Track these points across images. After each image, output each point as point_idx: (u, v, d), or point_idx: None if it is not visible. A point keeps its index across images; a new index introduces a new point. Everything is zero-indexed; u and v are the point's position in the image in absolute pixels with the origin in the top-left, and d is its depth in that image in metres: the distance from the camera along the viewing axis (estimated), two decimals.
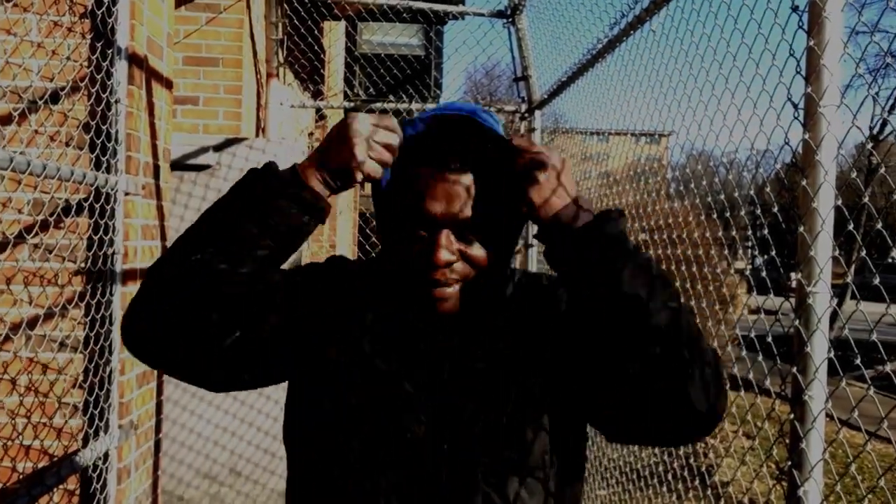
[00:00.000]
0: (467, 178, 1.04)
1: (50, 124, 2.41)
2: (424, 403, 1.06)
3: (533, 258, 4.77)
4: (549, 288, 1.19)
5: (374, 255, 1.21)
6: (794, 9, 1.63)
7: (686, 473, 2.79)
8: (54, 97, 2.42)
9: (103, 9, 2.35)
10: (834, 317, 1.83)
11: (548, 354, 1.09)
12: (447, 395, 1.07)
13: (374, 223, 1.14)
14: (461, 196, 1.04)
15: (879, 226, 1.46)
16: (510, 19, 4.70)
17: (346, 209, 9.75)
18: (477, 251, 1.07)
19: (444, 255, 1.03)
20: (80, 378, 2.40)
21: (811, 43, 1.54)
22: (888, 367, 1.48)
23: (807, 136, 1.55)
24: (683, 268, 2.73)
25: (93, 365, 2.39)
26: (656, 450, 3.36)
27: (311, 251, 6.84)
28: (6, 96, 2.38)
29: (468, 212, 1.04)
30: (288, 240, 1.03)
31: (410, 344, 1.10)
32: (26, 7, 2.43)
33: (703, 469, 4.28)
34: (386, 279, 1.13)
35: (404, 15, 4.85)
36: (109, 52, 2.39)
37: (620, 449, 3.64)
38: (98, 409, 2.36)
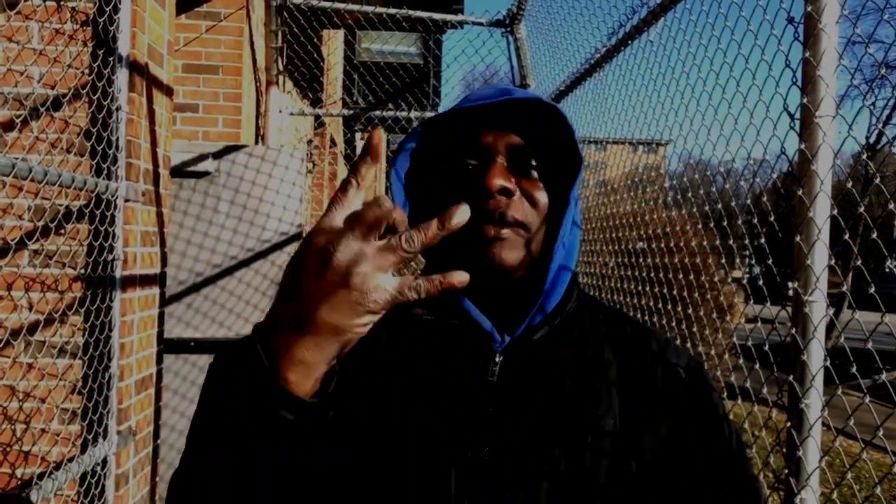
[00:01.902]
0: (523, 118, 0.88)
1: (51, 131, 2.42)
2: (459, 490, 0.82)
3: None
4: (675, 369, 0.91)
5: None
6: (790, 20, 1.65)
7: None
8: (56, 104, 2.43)
9: (105, 17, 2.36)
10: (830, 326, 1.84)
11: (640, 454, 0.85)
12: (486, 483, 0.83)
13: None
14: (519, 128, 0.88)
15: (875, 235, 1.47)
16: (509, 29, 4.72)
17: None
18: (541, 194, 0.88)
19: (499, 179, 0.84)
20: (79, 384, 2.40)
21: (807, 54, 1.56)
22: (884, 377, 1.49)
23: (803, 146, 1.57)
24: (681, 276, 2.74)
25: (92, 371, 2.39)
26: None
27: None
28: (8, 103, 2.39)
29: (529, 146, 0.88)
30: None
31: (451, 407, 0.85)
32: (28, 15, 2.44)
33: None
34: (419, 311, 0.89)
35: (403, 24, 4.88)
36: (111, 59, 2.41)
37: None
38: (97, 415, 2.36)
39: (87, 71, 2.43)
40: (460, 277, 0.68)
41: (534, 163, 0.88)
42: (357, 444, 0.84)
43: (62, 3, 2.44)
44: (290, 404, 0.68)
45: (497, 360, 0.86)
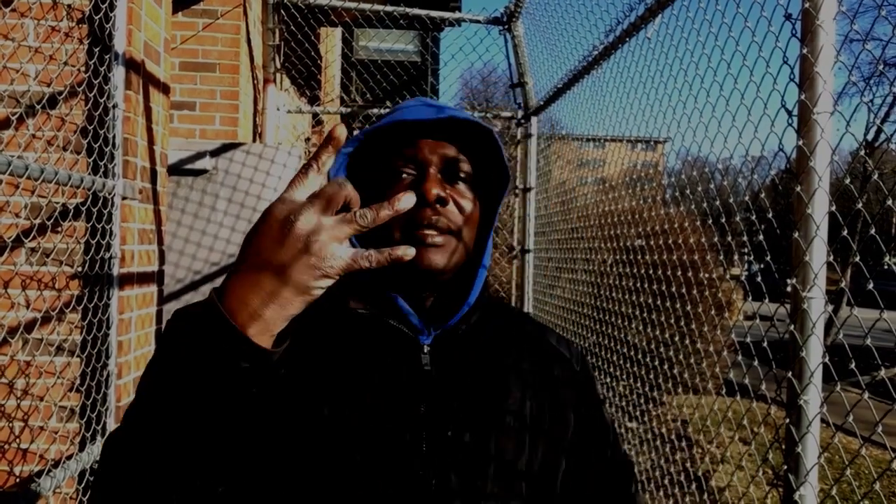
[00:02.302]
0: (455, 132, 0.97)
1: (48, 128, 2.42)
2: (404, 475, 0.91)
3: (530, 263, 4.78)
4: (563, 354, 1.08)
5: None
6: (788, 17, 1.65)
7: (683, 478, 2.79)
8: (52, 102, 2.42)
9: (101, 14, 2.35)
10: (829, 322, 1.84)
11: (546, 428, 1.00)
12: (427, 468, 0.91)
13: None
14: (453, 139, 0.97)
15: (873, 232, 1.47)
16: (506, 26, 4.72)
17: None
18: (468, 203, 0.97)
19: (435, 188, 0.93)
20: (77, 382, 2.40)
21: (805, 51, 1.56)
22: (883, 373, 1.49)
23: (801, 143, 1.57)
24: (680, 273, 2.74)
25: (90, 369, 2.39)
26: (653, 454, 3.37)
27: None
28: (4, 101, 2.38)
29: (463, 158, 0.97)
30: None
31: (387, 388, 0.93)
32: (24, 12, 2.43)
33: (700, 474, 4.29)
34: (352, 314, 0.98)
35: (401, 21, 4.87)
36: (107, 57, 2.40)
37: None
38: (95, 413, 2.36)
39: (83, 68, 2.42)
40: (406, 251, 0.76)
41: (464, 175, 0.97)
42: (298, 432, 0.89)
43: (58, 0, 2.43)
44: (249, 354, 0.71)
45: (426, 351, 0.96)
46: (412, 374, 0.95)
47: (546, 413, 1.01)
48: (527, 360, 1.03)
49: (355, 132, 0.92)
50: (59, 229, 2.41)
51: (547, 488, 0.99)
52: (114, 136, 2.39)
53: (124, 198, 2.47)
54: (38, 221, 2.39)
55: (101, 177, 2.32)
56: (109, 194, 2.37)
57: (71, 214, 2.40)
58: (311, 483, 0.89)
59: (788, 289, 1.59)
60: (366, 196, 0.93)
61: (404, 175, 0.95)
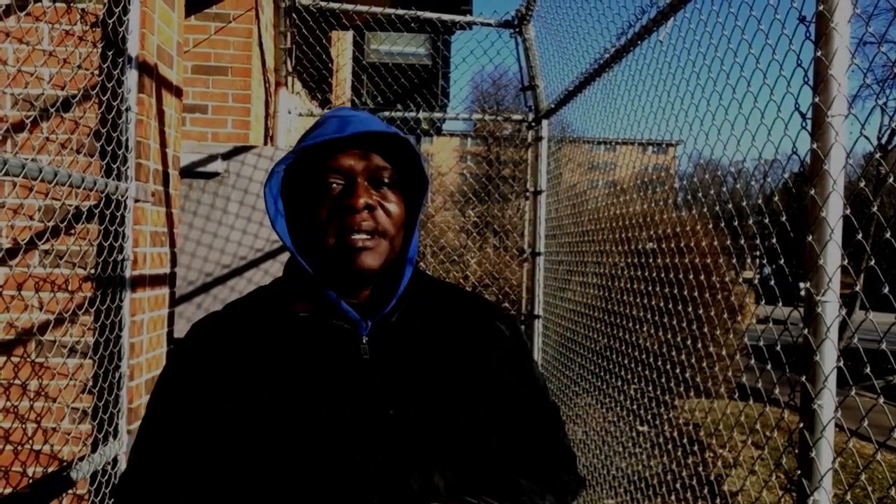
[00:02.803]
0: (381, 143, 1.08)
1: (61, 132, 2.43)
2: (356, 442, 1.01)
3: (540, 266, 4.77)
4: (493, 322, 1.19)
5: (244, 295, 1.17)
6: (802, 20, 1.64)
7: (695, 483, 2.77)
8: (66, 105, 2.44)
9: (114, 18, 2.37)
10: (843, 326, 1.83)
11: (479, 394, 1.11)
12: (374, 446, 1.02)
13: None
14: (377, 154, 1.07)
15: (888, 235, 1.46)
16: (517, 29, 4.72)
17: None
18: (394, 207, 1.08)
19: (363, 197, 1.04)
20: (90, 383, 2.41)
21: (819, 53, 1.55)
22: None
23: (815, 146, 1.56)
24: (692, 277, 2.73)
25: (102, 370, 2.40)
26: (665, 458, 3.35)
27: None
28: (19, 104, 2.40)
29: (385, 166, 1.07)
30: None
31: (330, 380, 1.04)
32: (39, 16, 2.45)
33: (712, 478, 4.27)
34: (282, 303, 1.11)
35: (412, 25, 4.88)
36: (120, 60, 2.41)
37: (629, 458, 3.63)
38: (107, 414, 2.37)
39: (96, 72, 2.44)
40: None
41: (387, 180, 1.08)
42: (251, 436, 1.00)
43: (72, 4, 2.45)
44: None
45: (364, 342, 1.07)
46: (353, 364, 1.06)
47: (478, 380, 1.11)
48: (458, 335, 1.14)
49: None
50: (73, 232, 2.43)
51: (484, 448, 1.09)
52: (127, 139, 2.41)
53: (137, 200, 2.48)
54: (51, 224, 2.40)
55: (113, 179, 2.34)
56: (122, 197, 2.38)
57: (84, 217, 2.41)
58: (265, 478, 1.00)
59: (802, 292, 1.57)
60: (301, 207, 1.07)
61: (333, 185, 1.05)
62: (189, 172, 3.63)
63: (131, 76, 2.43)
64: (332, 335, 1.07)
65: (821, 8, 1.55)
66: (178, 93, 2.93)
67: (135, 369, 2.53)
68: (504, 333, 1.18)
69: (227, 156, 3.73)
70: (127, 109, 2.41)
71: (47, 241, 2.40)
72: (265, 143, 4.71)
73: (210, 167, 3.69)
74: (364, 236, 1.04)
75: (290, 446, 0.99)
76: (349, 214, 1.03)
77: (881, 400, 1.43)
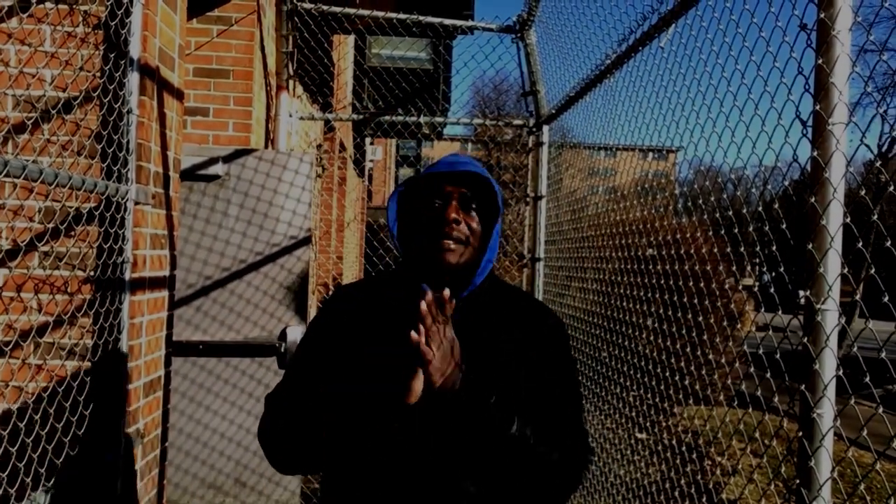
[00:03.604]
0: (470, 178, 1.51)
1: (62, 133, 2.43)
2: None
3: (540, 271, 4.77)
4: (539, 313, 1.61)
5: (373, 272, 1.36)
6: (803, 27, 1.64)
7: (693, 491, 2.76)
8: (67, 107, 2.44)
9: (116, 20, 2.37)
10: (842, 335, 1.82)
11: (519, 361, 1.50)
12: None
13: (387, 237, 1.39)
14: (467, 182, 1.51)
15: (889, 244, 1.46)
16: (519, 34, 4.72)
17: (354, 221, 9.76)
18: (475, 224, 1.52)
19: (453, 213, 1.48)
20: (88, 386, 2.41)
21: (820, 61, 1.55)
22: None
23: (815, 154, 1.56)
24: (691, 283, 2.72)
25: (101, 372, 2.39)
26: (663, 466, 3.35)
27: (318, 261, 6.85)
28: (20, 105, 2.40)
29: (470, 194, 1.51)
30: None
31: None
32: (41, 17, 2.46)
33: (711, 486, 4.25)
34: (396, 280, 1.60)
35: (413, 29, 4.88)
36: (122, 62, 2.42)
37: (627, 465, 3.62)
38: (105, 417, 2.36)
39: (98, 74, 2.44)
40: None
41: (473, 205, 1.52)
42: (351, 365, 1.46)
43: (74, 6, 2.45)
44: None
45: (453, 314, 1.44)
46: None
47: (523, 348, 1.51)
48: (513, 317, 1.56)
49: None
50: (73, 233, 2.43)
51: (522, 394, 1.46)
52: (128, 142, 2.41)
53: (137, 203, 2.48)
54: (51, 225, 2.40)
55: (114, 182, 2.34)
56: (122, 199, 2.38)
57: (84, 219, 2.41)
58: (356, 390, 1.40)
59: (802, 300, 1.57)
60: (410, 218, 1.55)
61: (436, 204, 1.50)
62: (189, 175, 3.63)
63: (133, 78, 2.43)
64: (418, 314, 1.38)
65: (822, 16, 1.55)
66: (179, 95, 2.94)
67: (133, 372, 2.53)
68: (549, 322, 1.59)
69: (227, 159, 3.74)
70: (128, 112, 2.41)
71: (47, 242, 2.40)
72: (266, 147, 4.71)
73: (210, 170, 3.69)
74: (450, 241, 1.47)
75: (374, 374, 1.37)
76: (444, 224, 1.47)
77: (880, 409, 1.42)
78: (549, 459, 1.41)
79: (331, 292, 1.65)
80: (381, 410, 1.37)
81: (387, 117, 5.23)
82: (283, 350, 3.61)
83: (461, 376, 1.34)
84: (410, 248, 1.53)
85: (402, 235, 1.56)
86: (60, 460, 2.39)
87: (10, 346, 2.28)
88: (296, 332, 3.65)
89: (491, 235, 1.54)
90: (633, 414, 3.38)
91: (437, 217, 1.47)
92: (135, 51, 2.43)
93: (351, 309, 1.56)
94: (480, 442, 1.36)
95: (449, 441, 1.40)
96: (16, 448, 2.36)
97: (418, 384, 1.32)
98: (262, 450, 1.53)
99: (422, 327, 1.28)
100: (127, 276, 2.44)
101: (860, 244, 1.51)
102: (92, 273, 2.44)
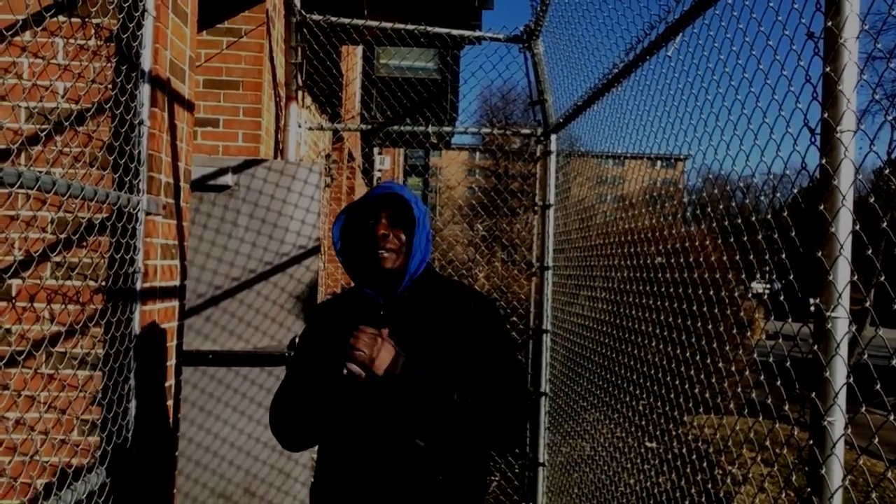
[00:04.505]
0: (393, 199, 1.89)
1: (74, 145, 2.46)
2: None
3: (549, 280, 4.76)
4: (466, 299, 1.96)
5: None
6: (810, 35, 1.64)
7: (703, 500, 2.75)
8: (79, 118, 2.46)
9: (128, 33, 2.40)
10: (853, 342, 1.81)
11: (448, 341, 1.84)
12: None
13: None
14: (391, 204, 1.89)
15: None
16: (526, 44, 4.74)
17: None
18: (400, 234, 1.89)
19: (382, 230, 1.87)
20: (99, 395, 2.42)
21: (827, 69, 1.55)
22: None
23: (824, 161, 1.56)
24: (700, 291, 2.72)
25: (111, 382, 2.41)
26: (673, 475, 3.33)
27: (327, 270, 6.86)
28: (33, 117, 2.43)
29: (395, 212, 1.89)
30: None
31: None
32: (54, 31, 2.49)
33: (721, 496, 4.23)
34: (347, 299, 2.03)
35: (421, 39, 4.91)
36: (133, 75, 2.44)
37: (637, 474, 3.60)
38: (116, 427, 2.37)
39: (110, 86, 2.47)
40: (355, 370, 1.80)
41: (399, 221, 1.89)
42: (325, 357, 1.87)
43: (87, 19, 2.48)
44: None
45: (381, 313, 1.89)
46: (374, 321, 1.84)
47: (455, 334, 1.84)
48: (445, 307, 1.90)
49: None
50: (85, 244, 2.45)
51: (459, 374, 1.78)
52: (139, 153, 2.43)
53: (148, 213, 2.50)
54: (63, 236, 2.42)
55: (125, 192, 2.36)
56: (134, 210, 2.40)
57: (96, 229, 2.43)
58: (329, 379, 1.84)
59: (812, 308, 1.57)
60: (353, 236, 1.93)
61: (371, 223, 1.88)
62: (200, 185, 3.66)
63: (144, 90, 2.46)
64: (367, 310, 1.89)
65: (829, 24, 1.55)
66: (190, 107, 2.96)
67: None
68: (481, 307, 1.93)
69: (237, 169, 3.76)
70: (140, 123, 2.43)
71: (59, 253, 2.42)
72: (275, 157, 4.74)
73: (220, 180, 3.72)
74: (384, 252, 1.86)
75: (338, 364, 1.77)
76: (376, 239, 1.86)
77: (892, 417, 1.42)
78: (487, 406, 1.76)
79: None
80: (343, 396, 1.78)
81: (395, 127, 5.26)
82: (291, 359, 3.62)
83: (402, 360, 1.73)
84: (355, 260, 1.93)
85: (346, 249, 1.95)
86: (71, 470, 2.40)
87: (23, 356, 2.30)
88: None
89: (419, 242, 1.91)
90: (643, 423, 3.37)
91: (371, 234, 1.86)
92: (146, 63, 2.46)
93: (327, 319, 1.99)
94: (423, 406, 1.73)
95: (401, 410, 1.75)
96: (28, 457, 2.37)
97: (362, 373, 1.73)
98: (274, 437, 1.98)
99: (356, 333, 1.74)
100: (138, 286, 2.45)
101: (870, 251, 1.51)
102: (103, 283, 2.46)
